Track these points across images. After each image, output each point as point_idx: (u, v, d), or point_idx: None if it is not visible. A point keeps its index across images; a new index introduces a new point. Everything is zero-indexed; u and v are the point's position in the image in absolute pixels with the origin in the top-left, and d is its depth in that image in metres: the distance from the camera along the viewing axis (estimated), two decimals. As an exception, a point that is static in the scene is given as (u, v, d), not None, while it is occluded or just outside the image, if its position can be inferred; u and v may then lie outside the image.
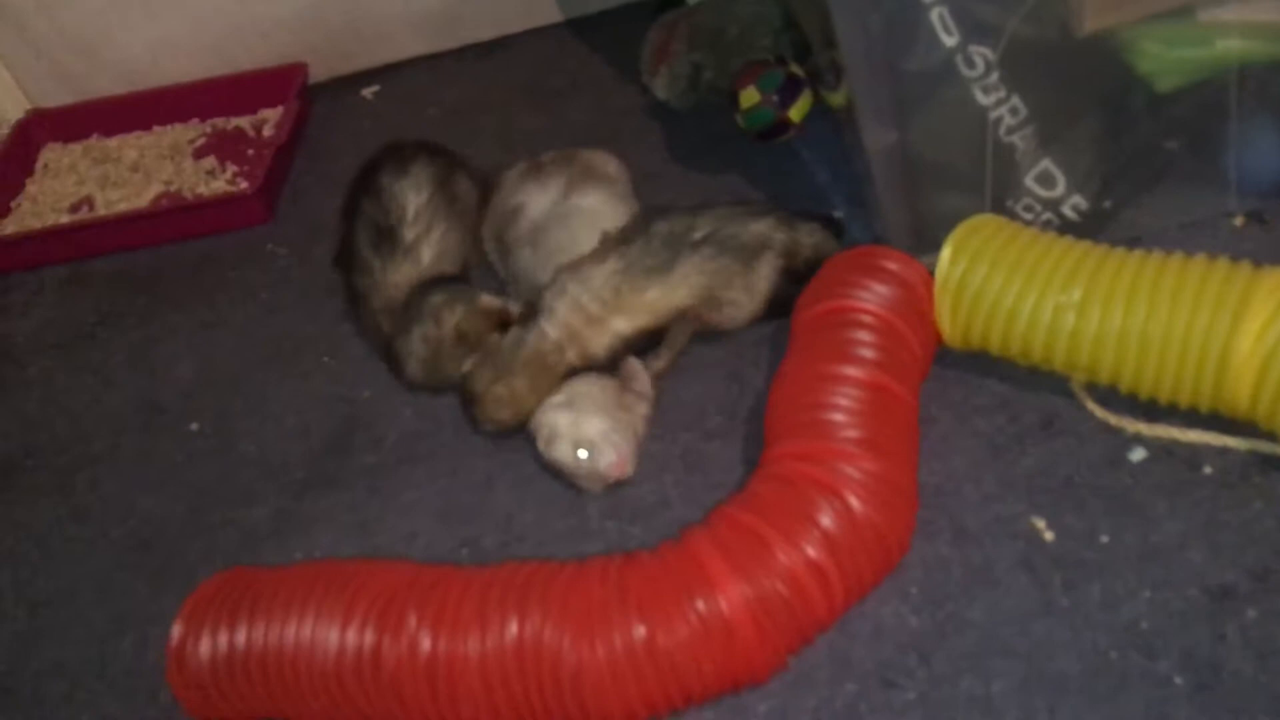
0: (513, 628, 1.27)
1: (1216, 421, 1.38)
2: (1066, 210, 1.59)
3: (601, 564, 1.33)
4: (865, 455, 1.33)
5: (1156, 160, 1.58)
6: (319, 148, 2.39)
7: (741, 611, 1.25)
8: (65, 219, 2.38)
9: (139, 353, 2.05)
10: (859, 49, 1.44)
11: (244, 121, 2.51)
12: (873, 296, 1.44)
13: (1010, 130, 1.51)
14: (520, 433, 1.62)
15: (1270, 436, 1.34)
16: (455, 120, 2.34)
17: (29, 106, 2.59)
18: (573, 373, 1.60)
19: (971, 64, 1.45)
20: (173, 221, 2.28)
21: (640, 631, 1.25)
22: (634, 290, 1.59)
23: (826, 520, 1.28)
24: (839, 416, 1.36)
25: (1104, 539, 1.34)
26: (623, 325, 1.60)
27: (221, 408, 1.90)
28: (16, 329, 2.18)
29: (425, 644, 1.29)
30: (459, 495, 1.64)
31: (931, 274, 1.47)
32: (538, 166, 1.87)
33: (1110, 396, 1.43)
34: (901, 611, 1.34)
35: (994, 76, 1.46)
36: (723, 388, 1.65)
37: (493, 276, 1.88)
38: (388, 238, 1.77)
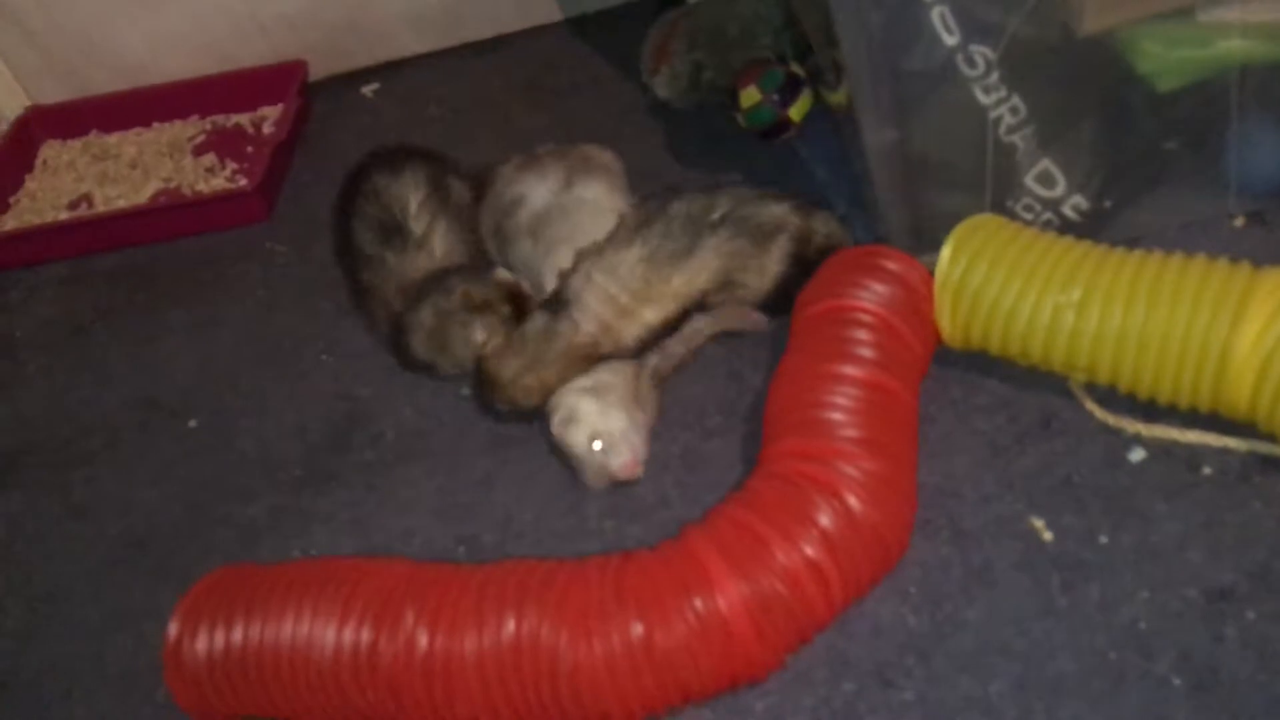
0: (510, 626, 1.27)
1: (1216, 422, 1.38)
2: (1066, 210, 1.59)
3: (600, 563, 1.33)
4: (864, 454, 1.32)
5: (1156, 160, 1.58)
6: (318, 145, 2.39)
7: (740, 610, 1.25)
8: (64, 216, 2.38)
9: (137, 350, 2.05)
10: (860, 48, 1.44)
11: (243, 119, 2.51)
12: (872, 296, 1.44)
13: (1010, 130, 1.51)
14: (530, 420, 1.63)
15: (1269, 437, 1.34)
16: (455, 118, 2.34)
17: (28, 103, 2.59)
18: (603, 360, 1.60)
19: (972, 63, 1.45)
20: (172, 219, 2.28)
21: (638, 630, 1.25)
22: (661, 280, 1.59)
23: (825, 519, 1.28)
24: (838, 415, 1.35)
25: (1103, 539, 1.34)
26: (652, 315, 1.60)
27: (220, 405, 1.90)
28: (15, 325, 2.18)
29: (423, 642, 1.29)
30: (457, 493, 1.64)
31: (931, 273, 1.47)
32: (534, 159, 1.87)
33: (1110, 396, 1.43)
34: (900, 611, 1.34)
35: (994, 76, 1.46)
36: (722, 387, 1.65)
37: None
38: (396, 232, 1.77)
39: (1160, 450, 1.40)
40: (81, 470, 1.85)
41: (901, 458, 1.37)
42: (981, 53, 1.44)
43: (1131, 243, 1.42)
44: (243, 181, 2.35)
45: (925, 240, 1.53)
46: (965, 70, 1.45)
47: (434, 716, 1.30)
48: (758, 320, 1.66)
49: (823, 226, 1.64)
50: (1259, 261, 1.34)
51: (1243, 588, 1.26)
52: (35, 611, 1.66)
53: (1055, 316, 1.37)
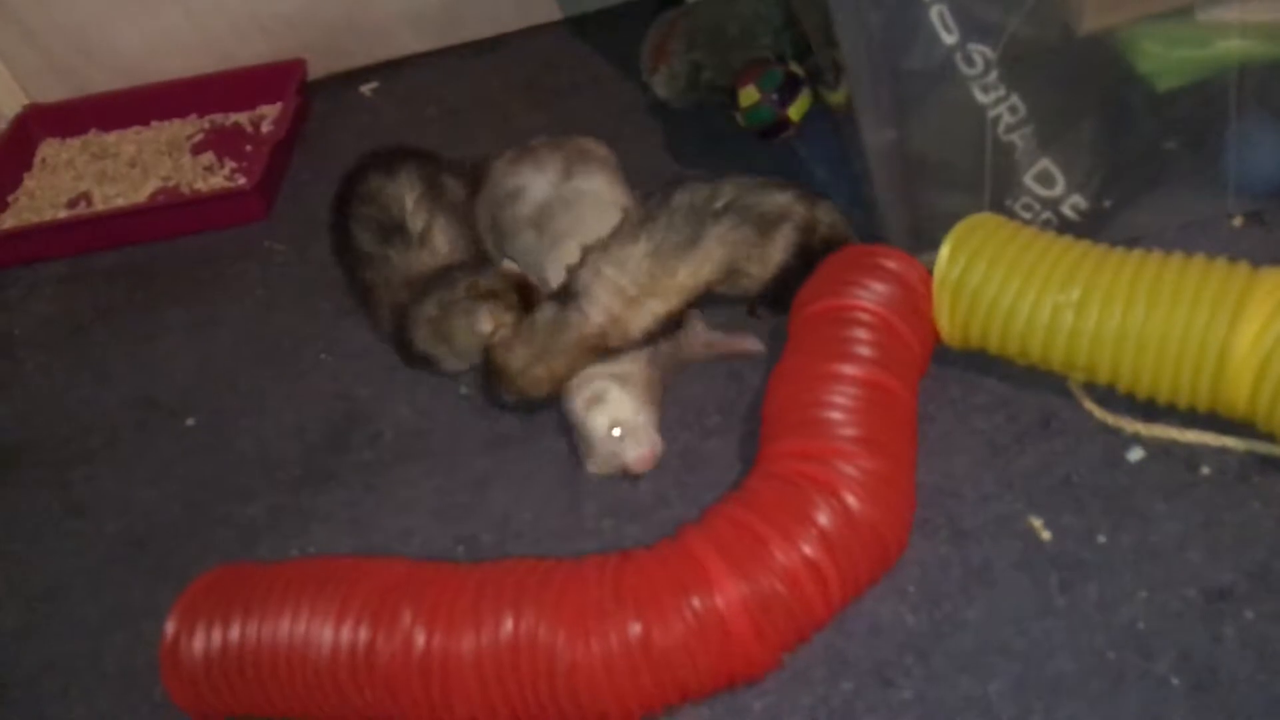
0: (508, 625, 1.27)
1: (1214, 421, 1.37)
2: (1065, 209, 1.59)
3: (598, 562, 1.33)
4: (863, 454, 1.32)
5: (1155, 160, 1.58)
6: (317, 144, 2.39)
7: (738, 609, 1.24)
8: (63, 214, 2.38)
9: (136, 348, 2.05)
10: (859, 47, 1.44)
11: (242, 117, 2.51)
12: (871, 295, 1.44)
13: (1009, 129, 1.51)
14: (534, 411, 1.64)
15: (1268, 437, 1.34)
16: (454, 118, 2.34)
17: (27, 101, 2.59)
18: (610, 354, 1.60)
19: (971, 62, 1.45)
20: (170, 217, 2.28)
21: (636, 629, 1.24)
22: (666, 272, 1.58)
23: (824, 519, 1.28)
24: (837, 415, 1.35)
25: (1102, 539, 1.34)
26: (658, 306, 1.59)
27: (218, 404, 1.89)
28: (14, 324, 2.18)
29: (420, 641, 1.28)
30: (456, 493, 1.64)
31: (930, 272, 1.46)
32: (529, 151, 1.86)
33: (1108, 396, 1.43)
34: (899, 610, 1.34)
35: (993, 75, 1.46)
36: (721, 386, 1.65)
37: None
38: (397, 231, 1.77)
39: (1159, 450, 1.40)
40: (80, 469, 1.85)
41: (900, 457, 1.37)
42: (980, 52, 1.44)
43: (1130, 242, 1.42)
44: (241, 180, 2.35)
45: (924, 239, 1.53)
46: (964, 69, 1.45)
47: (431, 716, 1.30)
48: (753, 345, 1.65)
49: (826, 216, 1.64)
50: (1257, 261, 1.34)
51: (1241, 587, 1.26)
52: (33, 610, 1.66)
53: (1054, 316, 1.37)
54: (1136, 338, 1.32)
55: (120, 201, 2.37)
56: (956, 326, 1.46)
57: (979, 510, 1.40)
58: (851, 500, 1.29)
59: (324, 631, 1.32)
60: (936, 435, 1.48)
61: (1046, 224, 1.59)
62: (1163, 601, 1.27)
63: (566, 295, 1.60)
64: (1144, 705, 1.20)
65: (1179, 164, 1.58)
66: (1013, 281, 1.39)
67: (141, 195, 2.37)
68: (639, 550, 1.35)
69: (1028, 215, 1.59)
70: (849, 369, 1.38)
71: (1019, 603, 1.31)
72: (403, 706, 1.31)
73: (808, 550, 1.27)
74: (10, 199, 2.45)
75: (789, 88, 1.89)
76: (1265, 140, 1.57)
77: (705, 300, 1.65)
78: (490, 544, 1.55)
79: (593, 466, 1.56)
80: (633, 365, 1.59)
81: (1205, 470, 1.37)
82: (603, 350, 1.59)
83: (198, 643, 1.36)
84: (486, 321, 1.65)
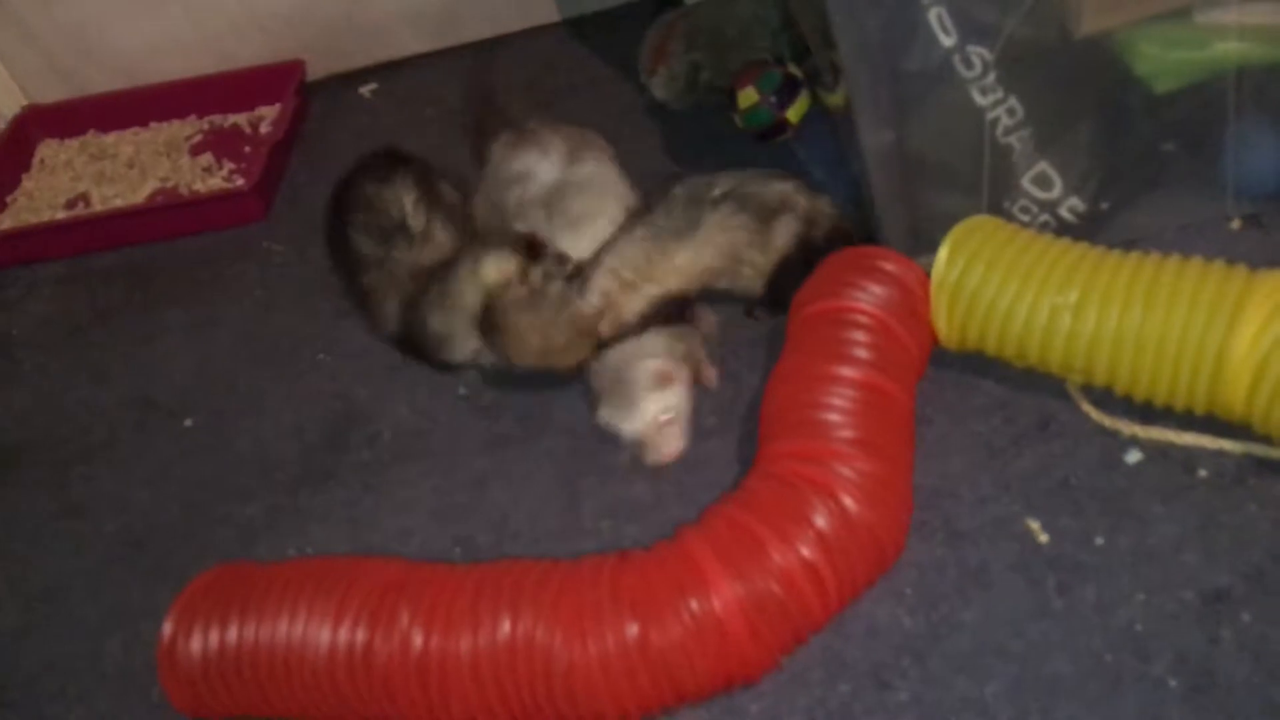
0: (505, 626, 1.27)
1: (1212, 424, 1.38)
2: (1063, 212, 1.59)
3: (595, 563, 1.33)
4: (860, 455, 1.32)
5: (1153, 162, 1.58)
6: (316, 145, 2.39)
7: (735, 611, 1.25)
8: (61, 215, 2.38)
9: (134, 349, 2.05)
10: (857, 49, 1.44)
11: (241, 118, 2.51)
12: (869, 297, 1.44)
13: (1007, 131, 1.51)
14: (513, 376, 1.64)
15: (1265, 439, 1.34)
16: (452, 119, 2.34)
17: (25, 102, 2.59)
18: (603, 343, 1.60)
19: (969, 64, 1.45)
20: (169, 218, 2.28)
21: (633, 630, 1.24)
22: (663, 255, 1.59)
23: (821, 520, 1.28)
24: (834, 417, 1.35)
25: (1099, 541, 1.34)
26: (653, 290, 1.59)
27: (216, 404, 1.89)
28: (12, 324, 2.18)
29: (417, 641, 1.29)
30: (453, 493, 1.64)
31: (928, 274, 1.47)
32: (529, 134, 1.84)
33: (1106, 398, 1.43)
34: (896, 612, 1.34)
35: (991, 77, 1.46)
36: (718, 387, 1.65)
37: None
38: (398, 231, 1.76)
39: (1156, 452, 1.40)
40: (78, 469, 1.85)
41: (898, 459, 1.37)
42: (979, 54, 1.44)
43: (1128, 244, 1.42)
44: (240, 181, 2.35)
45: (922, 241, 1.54)
46: (962, 71, 1.45)
47: (429, 717, 1.30)
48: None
49: (828, 209, 1.64)
50: (1255, 264, 1.34)
51: (1239, 590, 1.26)
52: (32, 610, 1.66)
53: (1052, 318, 1.37)
54: (1134, 340, 1.33)
55: (119, 202, 2.37)
56: (954, 328, 1.46)
57: (976, 512, 1.40)
58: (849, 502, 1.29)
59: (322, 632, 1.32)
60: (934, 437, 1.49)
61: (1044, 226, 1.59)
62: (1160, 603, 1.27)
63: (576, 277, 1.61)
64: (1141, 707, 1.20)
65: (1177, 166, 1.58)
66: (1010, 283, 1.39)
67: (140, 196, 2.37)
68: (636, 551, 1.35)
69: (1025, 217, 1.59)
70: (847, 371, 1.38)
71: (1016, 605, 1.31)
72: (400, 707, 1.31)
73: (805, 552, 1.27)
74: (9, 199, 2.45)
75: (787, 90, 1.90)
76: (1263, 142, 1.57)
77: (705, 298, 1.65)
78: (488, 544, 1.55)
79: (613, 420, 1.56)
80: (681, 359, 1.60)
81: (1203, 472, 1.37)
82: (596, 335, 1.59)
83: (195, 643, 1.36)
84: (491, 268, 1.64)
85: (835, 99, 1.69)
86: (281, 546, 1.63)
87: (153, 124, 2.54)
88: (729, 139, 1.97)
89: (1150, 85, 1.51)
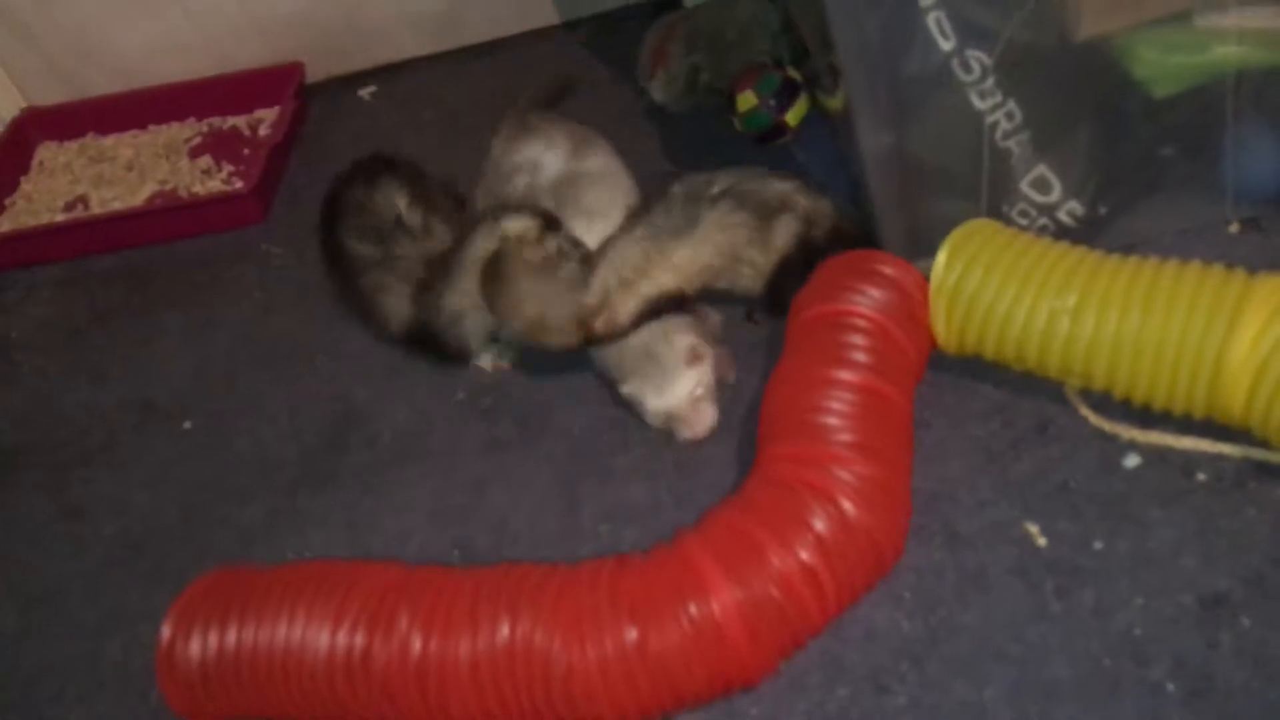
0: (504, 630, 1.27)
1: (1210, 428, 1.37)
2: (1062, 215, 1.59)
3: (594, 566, 1.33)
4: (859, 459, 1.32)
5: (1152, 166, 1.58)
6: (315, 148, 2.39)
7: (733, 615, 1.24)
8: (60, 217, 2.38)
9: (133, 351, 2.05)
10: (856, 53, 1.44)
11: (240, 121, 2.51)
12: (868, 301, 1.44)
13: (1006, 135, 1.51)
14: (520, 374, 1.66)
15: (1264, 443, 1.34)
16: (451, 122, 2.34)
17: (24, 104, 2.59)
18: (591, 341, 1.59)
19: (968, 68, 1.45)
20: (167, 221, 2.28)
21: (632, 634, 1.24)
22: (661, 253, 1.59)
23: (820, 524, 1.28)
24: (833, 420, 1.35)
25: (1098, 545, 1.34)
26: (649, 288, 1.59)
27: (215, 406, 1.89)
28: (11, 327, 2.18)
29: (416, 645, 1.29)
30: (452, 495, 1.64)
31: (927, 278, 1.47)
32: (530, 127, 1.84)
33: (1105, 402, 1.43)
34: (894, 616, 1.34)
35: (990, 81, 1.46)
36: (717, 391, 1.65)
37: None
38: (397, 228, 1.76)
39: (1155, 456, 1.40)
40: (77, 471, 1.85)
41: (896, 463, 1.37)
42: (977, 58, 1.44)
43: (1127, 248, 1.42)
44: (239, 184, 2.35)
45: (921, 245, 1.53)
46: (961, 75, 1.45)
47: (428, 720, 1.31)
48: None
49: (828, 209, 1.64)
50: (1254, 267, 1.34)
51: (1237, 594, 1.26)
52: (31, 612, 1.66)
53: (1050, 322, 1.37)
54: (1133, 344, 1.33)
55: (117, 205, 2.37)
56: (953, 332, 1.46)
57: (975, 516, 1.40)
58: (848, 506, 1.29)
59: (321, 635, 1.32)
60: (932, 441, 1.48)
61: (1043, 230, 1.59)
62: (1158, 608, 1.27)
63: (586, 265, 1.61)
64: (1139, 711, 1.20)
65: (1176, 170, 1.58)
66: (1009, 287, 1.39)
67: (139, 198, 2.37)
68: (636, 555, 1.35)
69: (1024, 221, 1.59)
70: (846, 375, 1.38)
71: (1014, 609, 1.31)
72: (399, 711, 1.31)
73: (804, 556, 1.27)
74: (7, 202, 2.45)
75: (786, 93, 1.90)
76: (1262, 146, 1.57)
77: (705, 300, 1.65)
78: (487, 546, 1.56)
79: (642, 394, 1.56)
80: (704, 338, 1.61)
81: (1201, 476, 1.37)
82: (589, 329, 1.58)
83: (194, 646, 1.36)
84: (513, 221, 1.63)
85: (834, 102, 1.69)
86: (280, 548, 1.63)
87: (152, 126, 2.54)
88: (728, 142, 1.98)
89: (1149, 89, 1.51)
